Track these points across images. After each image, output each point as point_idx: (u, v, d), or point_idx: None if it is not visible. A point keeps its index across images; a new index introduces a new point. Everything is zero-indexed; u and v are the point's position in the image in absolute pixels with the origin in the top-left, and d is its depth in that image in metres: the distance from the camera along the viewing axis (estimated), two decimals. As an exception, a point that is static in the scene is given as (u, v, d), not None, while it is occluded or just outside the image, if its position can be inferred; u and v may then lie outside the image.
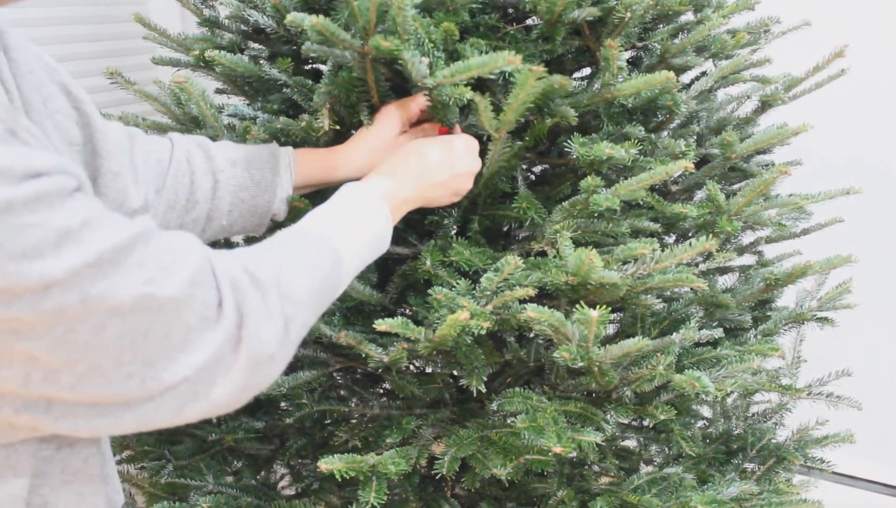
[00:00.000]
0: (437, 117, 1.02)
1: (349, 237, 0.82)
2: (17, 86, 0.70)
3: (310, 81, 1.08)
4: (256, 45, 1.24)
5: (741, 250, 1.33)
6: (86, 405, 0.56)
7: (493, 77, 1.02)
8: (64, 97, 0.77)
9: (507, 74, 1.01)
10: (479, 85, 0.98)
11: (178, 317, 0.57)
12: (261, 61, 1.19)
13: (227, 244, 1.25)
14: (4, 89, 0.68)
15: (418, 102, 1.02)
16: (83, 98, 0.78)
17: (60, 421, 0.58)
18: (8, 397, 0.56)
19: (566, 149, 1.04)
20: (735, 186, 1.32)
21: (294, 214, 1.02)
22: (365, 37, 0.91)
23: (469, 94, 0.94)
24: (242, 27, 1.23)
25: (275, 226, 1.04)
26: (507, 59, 0.85)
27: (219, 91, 1.29)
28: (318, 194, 1.08)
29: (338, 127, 1.05)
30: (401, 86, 1.05)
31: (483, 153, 1.02)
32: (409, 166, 0.93)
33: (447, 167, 0.95)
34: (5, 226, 0.48)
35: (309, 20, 0.88)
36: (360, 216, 0.85)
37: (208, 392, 0.61)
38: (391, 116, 1.01)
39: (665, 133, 1.14)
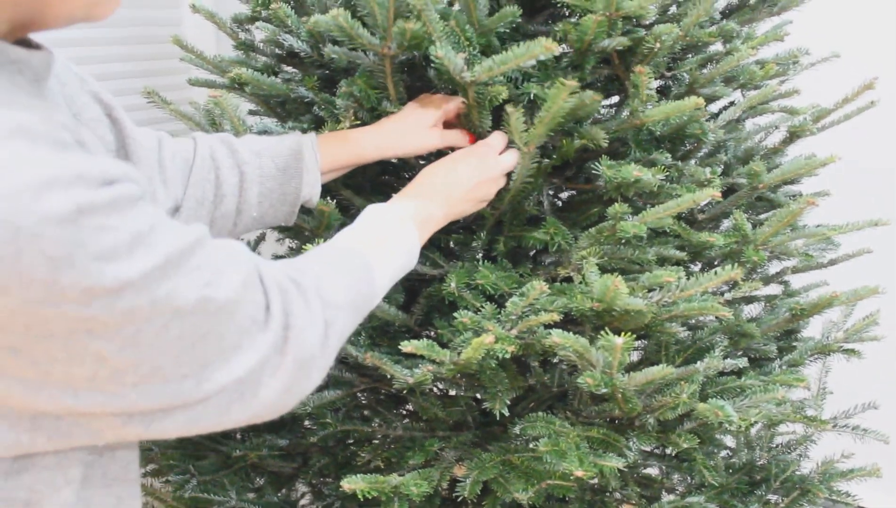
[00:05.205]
0: (470, 124, 1.03)
1: (379, 252, 0.84)
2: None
3: (336, 99, 1.10)
4: (290, 69, 1.26)
5: (767, 280, 1.33)
6: (141, 406, 0.58)
7: (521, 96, 1.03)
8: (97, 105, 0.79)
9: (533, 95, 1.02)
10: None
11: (231, 319, 0.59)
12: (291, 84, 1.21)
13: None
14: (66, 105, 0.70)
15: (456, 103, 1.03)
16: (113, 105, 0.80)
17: (129, 427, 0.59)
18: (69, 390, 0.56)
19: (594, 172, 1.05)
20: (762, 216, 1.31)
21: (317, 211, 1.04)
22: (385, 37, 0.92)
23: (504, 93, 0.94)
24: (277, 51, 1.25)
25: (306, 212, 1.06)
26: (544, 46, 0.85)
27: (252, 113, 1.32)
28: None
29: None
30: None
31: (510, 172, 1.03)
32: (433, 185, 0.95)
33: (470, 177, 0.97)
34: (86, 227, 0.49)
35: (331, 13, 0.89)
36: (387, 234, 0.87)
37: (256, 393, 0.63)
38: (423, 106, 1.03)
39: (692, 162, 1.15)
